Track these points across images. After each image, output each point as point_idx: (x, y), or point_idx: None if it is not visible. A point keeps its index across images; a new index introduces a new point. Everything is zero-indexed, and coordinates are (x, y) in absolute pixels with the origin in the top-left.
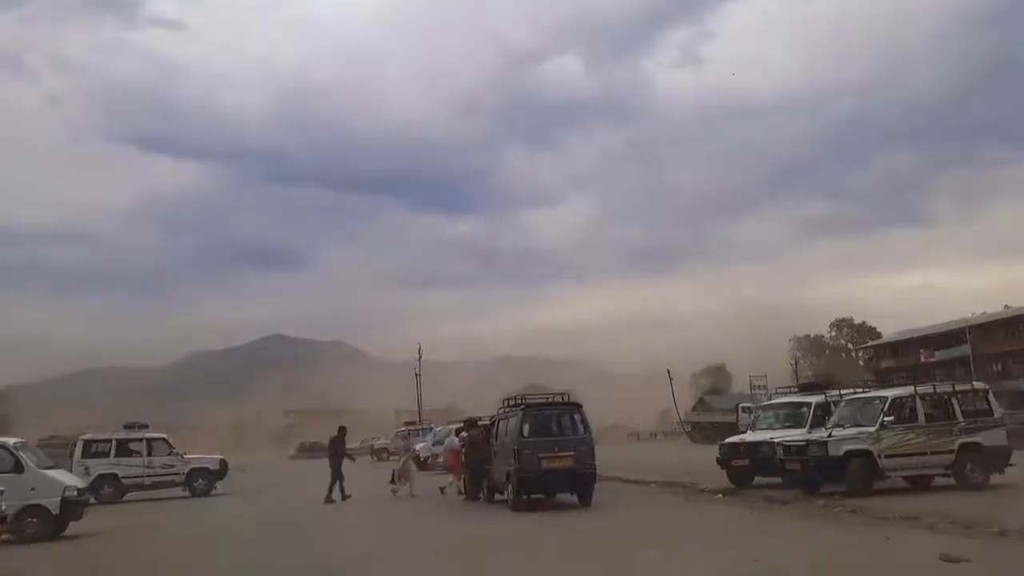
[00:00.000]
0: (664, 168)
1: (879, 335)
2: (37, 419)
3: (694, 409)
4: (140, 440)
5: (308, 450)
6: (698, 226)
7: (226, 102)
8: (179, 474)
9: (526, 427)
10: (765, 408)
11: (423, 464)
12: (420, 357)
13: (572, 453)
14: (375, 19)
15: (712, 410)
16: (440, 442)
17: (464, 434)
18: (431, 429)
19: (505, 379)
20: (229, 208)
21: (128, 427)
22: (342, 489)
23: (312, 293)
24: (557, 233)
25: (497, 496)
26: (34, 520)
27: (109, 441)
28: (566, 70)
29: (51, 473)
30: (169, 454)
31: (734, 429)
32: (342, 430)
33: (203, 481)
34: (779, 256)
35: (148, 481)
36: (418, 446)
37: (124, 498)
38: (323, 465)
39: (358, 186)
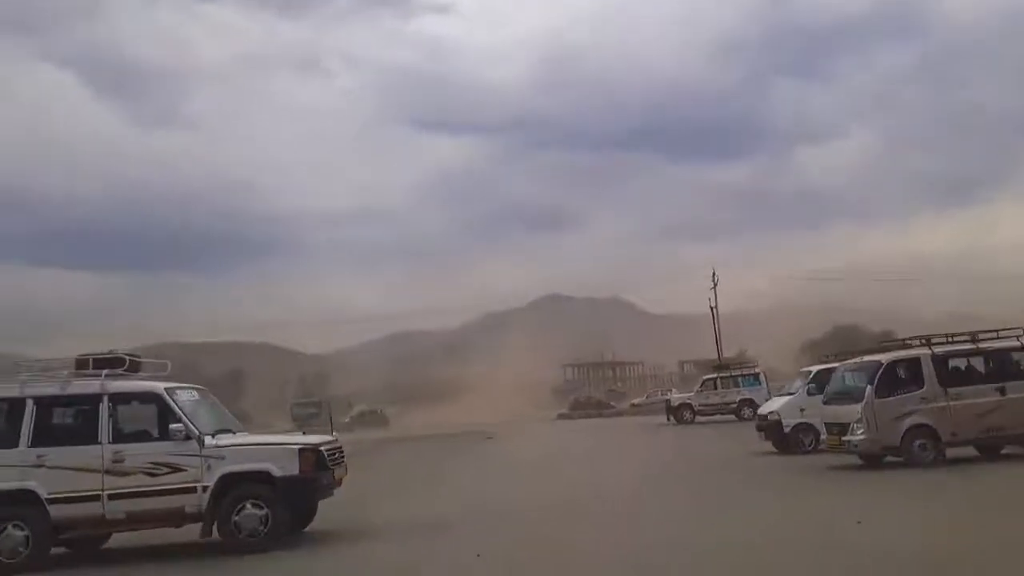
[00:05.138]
0: (962, 86)
1: None
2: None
3: None
4: (98, 396)
5: (582, 407)
6: (1009, 150)
7: (492, 75)
8: (192, 489)
9: None
10: None
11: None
12: (715, 283)
13: None
14: None
15: None
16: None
17: None
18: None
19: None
20: (503, 176)
21: (81, 364)
22: None
23: (585, 251)
24: (836, 170)
25: None
26: None
27: (23, 401)
28: None
29: None
30: (183, 437)
31: None
32: None
33: (255, 509)
34: None
35: (119, 512)
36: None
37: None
38: (599, 427)
39: (621, 143)
